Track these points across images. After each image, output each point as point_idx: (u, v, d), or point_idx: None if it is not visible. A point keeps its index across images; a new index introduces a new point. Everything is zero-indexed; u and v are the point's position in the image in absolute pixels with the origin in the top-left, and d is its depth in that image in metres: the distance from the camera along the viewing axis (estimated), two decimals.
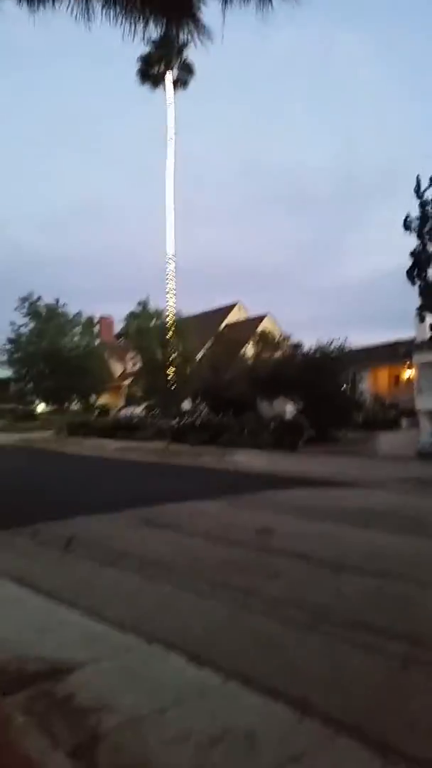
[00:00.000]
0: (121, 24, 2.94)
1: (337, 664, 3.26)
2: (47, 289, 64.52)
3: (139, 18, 2.88)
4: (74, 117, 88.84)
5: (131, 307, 40.72)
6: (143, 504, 8.77)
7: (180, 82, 28.70)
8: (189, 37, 3.02)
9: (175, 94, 28.24)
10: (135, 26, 2.93)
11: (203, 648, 3.44)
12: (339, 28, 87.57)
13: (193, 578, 4.95)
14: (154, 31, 3.03)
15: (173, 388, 26.01)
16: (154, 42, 27.99)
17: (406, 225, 17.33)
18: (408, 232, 17.30)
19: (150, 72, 28.19)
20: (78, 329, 33.82)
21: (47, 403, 41.32)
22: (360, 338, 46.89)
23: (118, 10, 2.90)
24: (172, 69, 28.07)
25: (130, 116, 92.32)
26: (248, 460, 17.40)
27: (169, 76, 27.96)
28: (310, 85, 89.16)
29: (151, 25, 2.97)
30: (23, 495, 10.86)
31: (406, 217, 17.30)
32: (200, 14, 2.92)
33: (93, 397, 40.23)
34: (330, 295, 78.43)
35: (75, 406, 41.94)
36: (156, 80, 28.34)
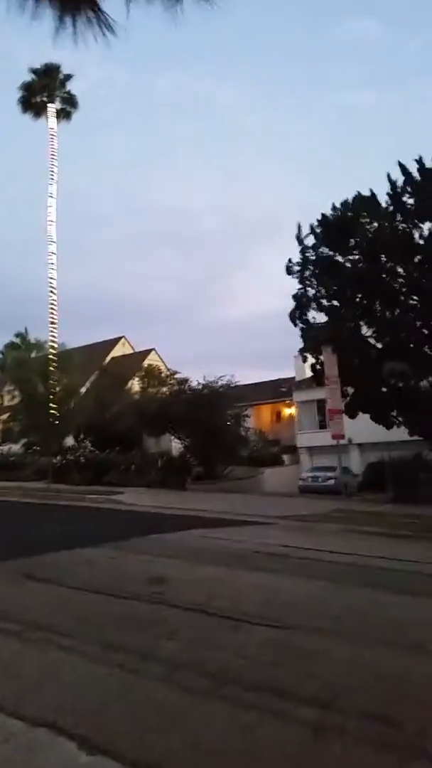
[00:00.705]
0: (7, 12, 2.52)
1: (245, 737, 2.99)
2: None
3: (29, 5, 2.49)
4: None
5: (8, 338, 38.78)
6: (22, 554, 8.01)
7: (63, 113, 28.30)
8: (88, 28, 2.66)
9: (58, 125, 27.75)
10: (23, 12, 2.52)
11: (96, 729, 3.01)
12: (224, 77, 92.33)
13: (82, 641, 4.46)
14: (47, 22, 2.64)
15: (55, 423, 24.77)
16: (35, 71, 27.59)
17: (288, 270, 18.13)
18: (290, 275, 18.09)
19: (32, 101, 27.53)
20: None
21: None
22: (244, 376, 48.24)
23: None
24: (54, 100, 27.62)
25: (13, 144, 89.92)
26: (136, 499, 16.85)
27: (52, 108, 27.47)
28: (195, 128, 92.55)
29: (44, 13, 2.58)
30: None
31: (288, 261, 18.13)
32: (102, 3, 2.61)
33: None
34: (215, 333, 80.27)
35: None
36: (38, 110, 27.71)
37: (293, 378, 34.79)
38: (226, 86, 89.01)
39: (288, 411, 39.75)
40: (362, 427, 20.27)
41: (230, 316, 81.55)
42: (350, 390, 17.91)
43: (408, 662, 4.16)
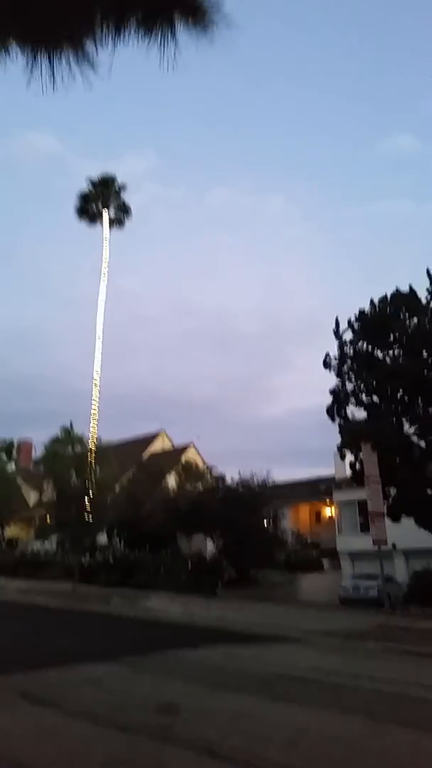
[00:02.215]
0: None
1: None
2: None
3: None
4: (9, 251, 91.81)
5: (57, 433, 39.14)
6: (28, 666, 7.33)
7: (116, 221, 30.34)
8: (69, 68, 2.53)
9: (111, 231, 29.72)
10: None
11: None
12: (270, 191, 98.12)
13: None
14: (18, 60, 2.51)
15: (87, 519, 24.20)
16: (92, 182, 29.98)
17: (326, 363, 17.88)
18: (327, 370, 17.81)
19: (88, 209, 29.76)
20: None
21: None
22: (282, 473, 47.05)
23: None
24: (109, 209, 29.78)
25: (68, 249, 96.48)
26: (163, 606, 15.80)
27: (106, 215, 29.54)
28: (239, 236, 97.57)
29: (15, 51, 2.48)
30: None
31: (326, 356, 17.92)
32: (87, 42, 2.48)
33: (1, 528, 36.88)
34: (254, 430, 79.81)
35: None
36: (93, 217, 29.84)
37: (333, 477, 33.57)
38: (271, 200, 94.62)
39: (328, 511, 38.06)
40: (407, 532, 18.94)
41: (269, 413, 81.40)
42: (392, 491, 16.92)
43: None
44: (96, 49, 2.45)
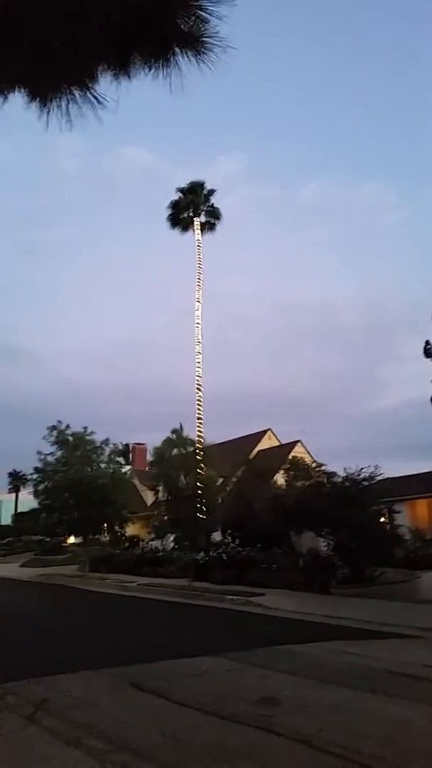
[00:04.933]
0: None
1: None
2: (89, 420, 66.07)
3: None
4: (112, 262, 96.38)
5: (167, 435, 40.83)
6: (140, 658, 7.82)
7: (208, 226, 30.94)
8: (71, 109, 2.79)
9: (203, 236, 30.35)
10: None
11: None
12: (363, 179, 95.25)
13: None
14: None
15: (200, 518, 24.92)
16: (181, 189, 30.78)
17: (427, 352, 17.11)
18: (429, 358, 17.00)
19: (179, 217, 30.63)
20: (104, 457, 33.53)
21: (74, 535, 40.10)
22: (397, 468, 45.35)
23: None
24: (199, 214, 30.44)
25: (165, 259, 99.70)
26: (276, 603, 15.92)
27: (197, 222, 30.23)
28: (333, 228, 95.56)
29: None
30: None
31: (426, 343, 17.13)
32: (94, 85, 2.74)
33: (121, 528, 38.96)
34: (364, 425, 77.76)
35: (104, 537, 40.51)
36: (185, 225, 30.68)
37: None
38: (364, 189, 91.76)
39: None
40: None
41: (379, 407, 78.98)
42: None
43: None
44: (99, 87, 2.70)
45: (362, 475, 22.64)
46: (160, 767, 4.10)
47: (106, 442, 34.01)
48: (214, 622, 13.34)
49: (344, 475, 23.03)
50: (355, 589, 19.76)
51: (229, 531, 26.98)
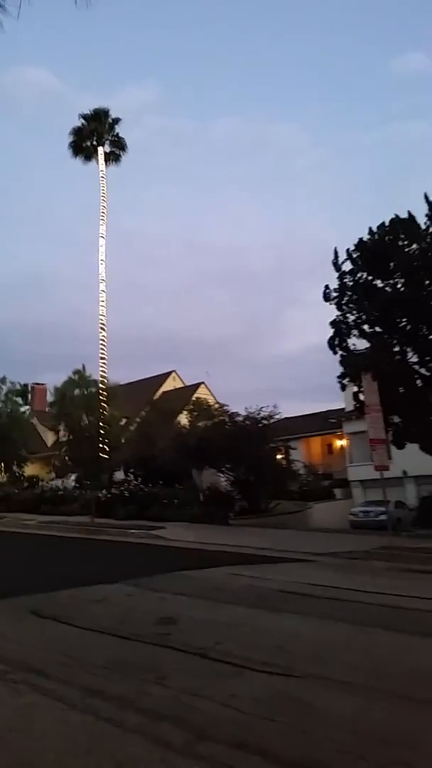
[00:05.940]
0: None
1: None
2: None
3: None
4: (10, 190, 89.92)
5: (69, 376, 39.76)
6: (40, 589, 7.82)
7: (113, 157, 29.46)
8: None
9: (107, 168, 28.91)
10: None
11: None
12: (277, 118, 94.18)
13: (65, 684, 4.16)
14: None
15: (102, 457, 24.89)
16: (85, 116, 28.97)
17: (326, 296, 17.69)
18: (327, 302, 17.62)
19: (82, 145, 28.90)
20: (1, 396, 32.27)
21: None
22: (296, 409, 47.48)
23: None
24: (103, 144, 28.86)
25: (70, 190, 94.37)
26: (176, 534, 16.49)
27: (101, 151, 28.68)
28: (248, 170, 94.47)
29: None
30: None
31: (326, 288, 17.69)
32: None
33: (20, 468, 38.23)
34: (267, 368, 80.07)
35: (2, 477, 39.58)
36: (88, 154, 29.01)
37: (343, 409, 33.95)
38: (279, 128, 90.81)
39: (339, 443, 38.67)
40: (418, 459, 19.31)
41: (282, 351, 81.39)
42: (396, 419, 17.11)
43: (421, 722, 3.63)
44: None
45: (261, 415, 23.64)
46: (59, 683, 4.18)
47: (3, 380, 32.74)
48: (116, 555, 13.59)
49: (245, 414, 23.94)
50: (252, 519, 20.93)
51: (132, 469, 27.32)
